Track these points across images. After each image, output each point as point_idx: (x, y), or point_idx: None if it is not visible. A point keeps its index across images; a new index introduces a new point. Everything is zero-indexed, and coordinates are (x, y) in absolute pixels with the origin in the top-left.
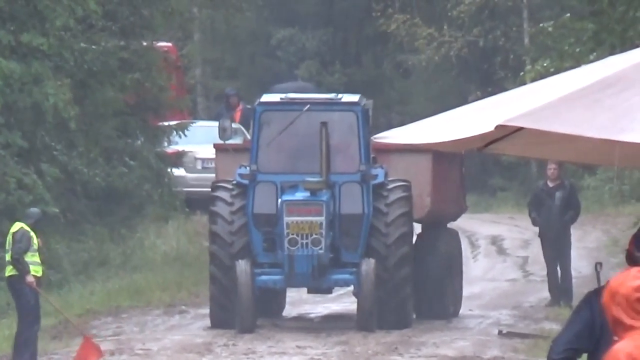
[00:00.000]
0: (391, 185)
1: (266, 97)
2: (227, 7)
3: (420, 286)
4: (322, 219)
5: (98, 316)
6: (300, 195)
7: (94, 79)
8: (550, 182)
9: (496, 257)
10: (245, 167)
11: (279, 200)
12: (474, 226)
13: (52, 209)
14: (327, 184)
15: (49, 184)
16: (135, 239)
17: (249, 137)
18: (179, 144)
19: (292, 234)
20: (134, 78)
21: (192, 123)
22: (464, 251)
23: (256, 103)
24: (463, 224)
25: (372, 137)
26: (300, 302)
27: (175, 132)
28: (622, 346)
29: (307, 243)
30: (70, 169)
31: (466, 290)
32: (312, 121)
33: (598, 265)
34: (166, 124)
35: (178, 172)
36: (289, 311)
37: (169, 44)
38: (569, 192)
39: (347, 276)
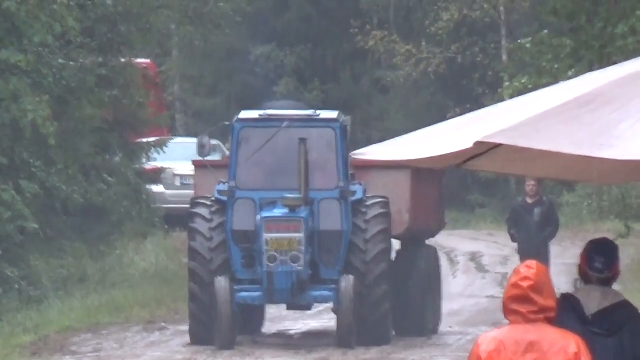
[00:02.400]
0: (370, 202)
1: (244, 114)
2: (205, 24)
3: (400, 303)
4: (301, 235)
5: (77, 333)
6: (279, 211)
7: (72, 96)
8: (529, 199)
9: (475, 273)
10: (224, 184)
11: (258, 217)
12: (453, 243)
13: (31, 225)
14: (306, 200)
15: (27, 200)
16: (114, 255)
17: (227, 153)
18: (157, 161)
19: (271, 251)
20: (113, 95)
21: (170, 140)
22: (444, 268)
23: (234, 120)
24: (442, 240)
25: (351, 154)
26: (280, 318)
27: (153, 149)
28: (491, 333)
29: (286, 260)
30: (49, 186)
31: (445, 307)
32: (291, 138)
33: (577, 282)
34: (145, 140)
35: (157, 188)
36: (268, 327)
37: (148, 61)
38: (548, 209)
39: (326, 293)
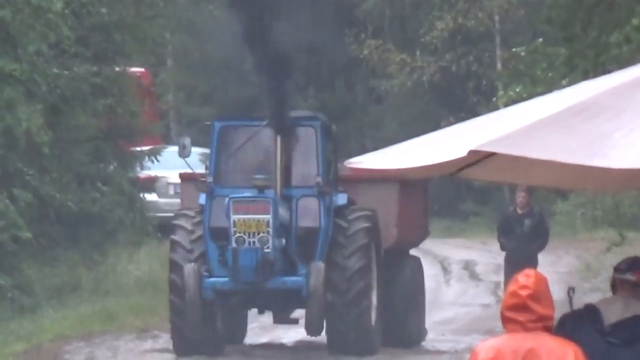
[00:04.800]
0: (352, 216)
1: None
2: (200, 33)
3: (384, 314)
4: (269, 217)
5: (70, 341)
6: (247, 192)
7: (66, 105)
8: (519, 209)
9: (469, 281)
10: None
11: (226, 198)
12: (446, 251)
13: (25, 233)
14: (282, 195)
15: (21, 209)
16: (108, 264)
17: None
18: (151, 169)
19: (239, 232)
20: (107, 103)
21: (164, 148)
22: (436, 276)
23: (215, 118)
24: (435, 248)
25: (345, 162)
26: (272, 327)
27: (147, 158)
28: (489, 341)
29: (254, 242)
30: (43, 194)
31: (439, 315)
32: (271, 136)
33: (571, 290)
34: (139, 149)
35: (150, 197)
36: (259, 337)
37: (142, 70)
38: (538, 220)
39: (295, 278)
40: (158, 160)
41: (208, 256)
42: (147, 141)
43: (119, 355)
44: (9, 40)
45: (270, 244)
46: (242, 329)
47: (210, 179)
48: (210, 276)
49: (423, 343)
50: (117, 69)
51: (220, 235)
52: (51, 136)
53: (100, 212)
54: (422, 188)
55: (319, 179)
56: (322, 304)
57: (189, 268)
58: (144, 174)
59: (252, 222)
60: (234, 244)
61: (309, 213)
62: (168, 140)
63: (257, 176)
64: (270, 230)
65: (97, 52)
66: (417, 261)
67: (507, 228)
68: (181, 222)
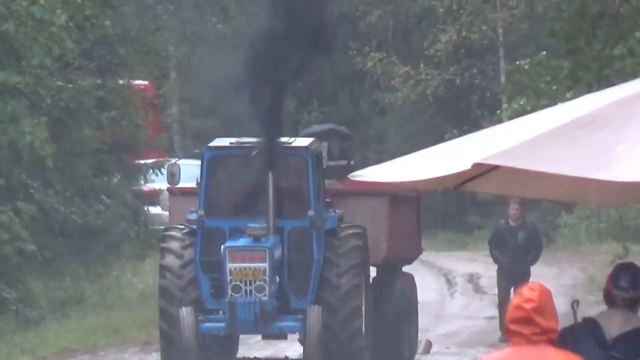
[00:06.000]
0: (343, 233)
1: (217, 142)
2: (204, 46)
3: (376, 331)
4: (265, 265)
5: (74, 354)
6: (243, 241)
7: (70, 117)
8: (512, 222)
9: (473, 295)
10: (195, 212)
11: (222, 247)
12: (450, 264)
13: (29, 246)
14: (274, 229)
15: (25, 222)
16: (112, 277)
17: None
18: (155, 182)
19: (235, 281)
20: (111, 116)
21: (168, 161)
22: (441, 289)
23: (204, 148)
24: (440, 261)
25: (349, 176)
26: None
27: (151, 170)
28: (493, 354)
29: (250, 290)
30: (47, 207)
31: (443, 328)
32: (262, 166)
33: (575, 303)
34: (142, 162)
35: (154, 210)
36: (264, 349)
37: (146, 82)
38: (532, 232)
39: (292, 323)
40: (162, 173)
41: (199, 287)
42: (150, 154)
43: None
44: (12, 53)
45: (267, 291)
46: (233, 345)
47: (201, 212)
48: (208, 314)
49: (428, 356)
50: (121, 81)
51: (212, 268)
52: (55, 149)
53: (104, 225)
54: (414, 204)
55: (312, 212)
56: (319, 347)
57: (184, 313)
58: (147, 186)
59: (248, 271)
60: (230, 293)
61: (302, 246)
62: (172, 153)
63: (252, 225)
64: (267, 278)
65: (101, 65)
66: (409, 278)
67: (500, 241)
68: (170, 244)
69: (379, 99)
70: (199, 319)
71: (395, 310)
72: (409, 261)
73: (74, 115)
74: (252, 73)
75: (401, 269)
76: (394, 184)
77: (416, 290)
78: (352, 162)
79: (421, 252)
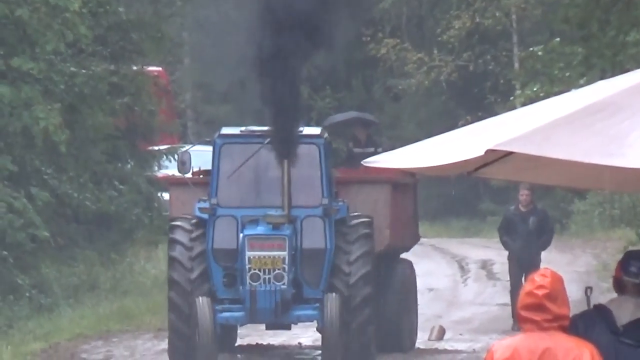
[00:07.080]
0: (353, 222)
1: (226, 130)
2: (216, 31)
3: (376, 318)
4: (285, 253)
5: (88, 340)
6: (262, 229)
7: (84, 104)
8: (523, 207)
9: (486, 281)
10: (205, 201)
11: (241, 235)
12: (464, 250)
13: (42, 233)
14: (289, 218)
15: (39, 208)
16: (125, 263)
17: None
18: (168, 168)
19: (254, 269)
20: (124, 102)
21: (182, 147)
22: (454, 276)
23: (216, 136)
24: (453, 248)
25: (362, 162)
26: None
27: (165, 157)
28: (505, 340)
29: (269, 278)
30: (60, 193)
31: (456, 315)
32: (273, 154)
33: (588, 290)
34: (156, 148)
35: (168, 196)
36: (273, 337)
37: (159, 69)
38: (543, 217)
39: (310, 311)
40: (175, 159)
41: (211, 277)
42: (164, 140)
43: (136, 354)
44: (26, 39)
45: (285, 279)
46: (233, 336)
47: (214, 200)
48: (219, 303)
49: (441, 342)
50: (135, 67)
51: (225, 257)
52: (68, 135)
53: (118, 211)
54: (412, 191)
55: (325, 201)
56: (338, 336)
57: (201, 302)
58: (161, 173)
59: (268, 260)
60: (249, 282)
61: (315, 234)
62: (186, 140)
63: (270, 212)
64: (286, 266)
65: (115, 51)
66: (409, 265)
67: (510, 227)
68: (178, 236)
69: (392, 85)
70: (215, 309)
71: (397, 297)
72: (407, 249)
73: (88, 101)
74: (265, 60)
75: (399, 256)
76: (408, 169)
77: (415, 276)
78: (379, 150)
79: (419, 239)
